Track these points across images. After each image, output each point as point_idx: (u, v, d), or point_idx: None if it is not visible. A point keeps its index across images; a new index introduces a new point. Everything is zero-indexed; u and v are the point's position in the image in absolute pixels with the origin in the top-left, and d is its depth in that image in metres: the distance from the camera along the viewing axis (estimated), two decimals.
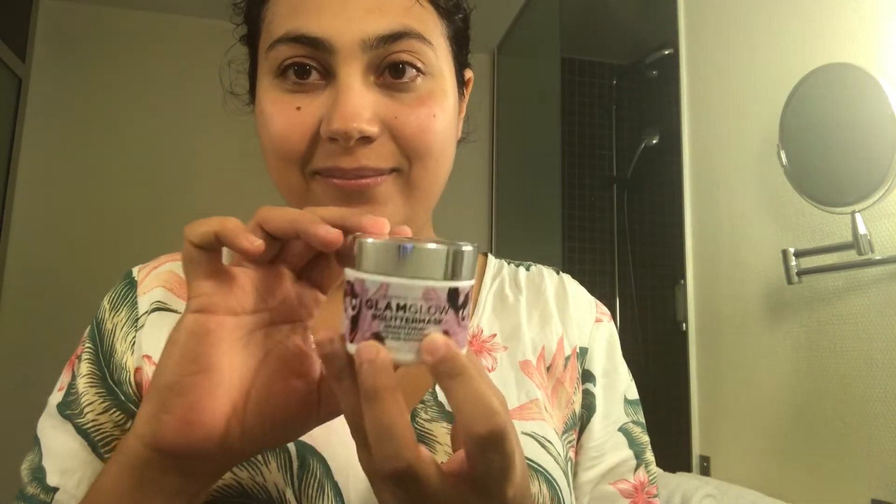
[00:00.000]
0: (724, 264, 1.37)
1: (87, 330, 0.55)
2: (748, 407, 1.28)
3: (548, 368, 0.57)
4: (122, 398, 0.51)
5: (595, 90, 2.79)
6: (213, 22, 2.73)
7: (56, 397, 0.53)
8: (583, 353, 0.59)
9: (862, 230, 0.97)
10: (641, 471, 0.57)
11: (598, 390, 0.58)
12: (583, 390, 0.57)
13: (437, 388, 0.52)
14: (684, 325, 1.49)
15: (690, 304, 1.47)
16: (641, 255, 2.66)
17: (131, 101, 2.58)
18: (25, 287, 2.39)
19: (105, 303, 0.55)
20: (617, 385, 0.59)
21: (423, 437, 0.50)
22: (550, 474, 0.50)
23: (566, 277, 0.65)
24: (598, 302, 0.63)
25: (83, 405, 0.51)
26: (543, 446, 0.51)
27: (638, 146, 2.55)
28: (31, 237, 2.44)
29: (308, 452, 0.47)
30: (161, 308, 0.53)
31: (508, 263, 0.64)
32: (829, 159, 1.05)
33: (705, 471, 1.38)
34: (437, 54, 0.49)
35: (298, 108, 0.46)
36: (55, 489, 0.49)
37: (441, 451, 0.49)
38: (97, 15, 2.59)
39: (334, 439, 0.47)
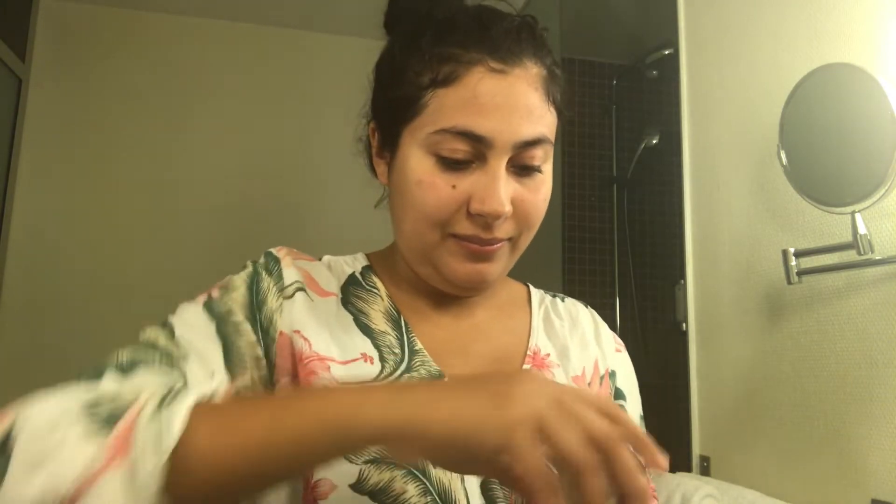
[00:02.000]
0: (724, 264, 1.37)
1: (230, 278, 0.62)
2: (748, 407, 1.28)
3: (589, 384, 0.69)
4: (263, 339, 0.59)
5: (595, 90, 2.79)
6: (214, 22, 2.73)
7: (194, 302, 0.60)
8: (612, 374, 0.72)
9: (862, 230, 0.97)
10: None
11: (626, 405, 0.71)
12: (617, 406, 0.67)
13: None
14: (684, 325, 1.49)
15: (690, 304, 1.47)
16: (641, 255, 2.65)
17: (131, 101, 2.58)
18: (25, 287, 2.39)
19: (260, 265, 0.63)
20: (636, 405, 0.73)
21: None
22: None
23: (592, 311, 0.78)
24: (615, 334, 0.77)
25: (240, 325, 0.58)
26: None
27: (638, 146, 2.55)
28: (30, 237, 2.43)
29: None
30: (303, 289, 0.63)
31: (546, 293, 0.77)
32: (829, 159, 1.05)
33: (705, 471, 1.38)
34: (551, 145, 0.61)
35: (454, 187, 0.58)
36: (176, 360, 0.54)
37: None
38: (97, 15, 2.59)
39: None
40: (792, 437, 1.16)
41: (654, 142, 2.49)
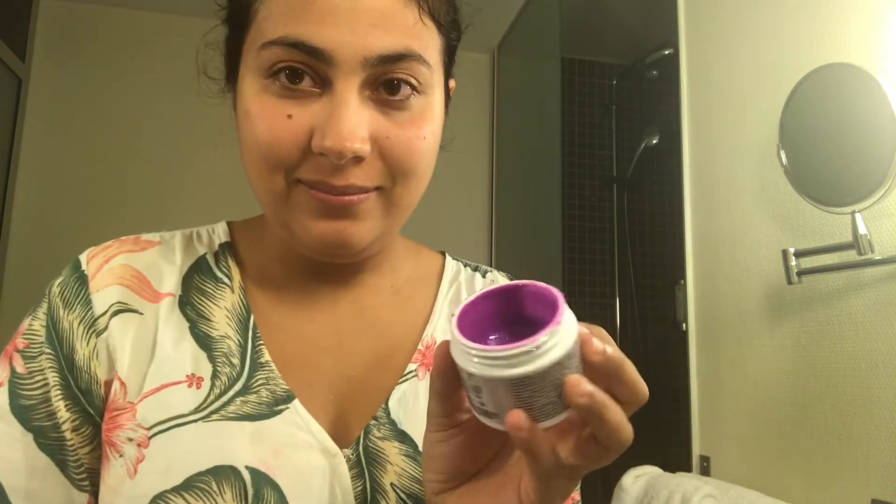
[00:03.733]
0: (724, 264, 1.37)
1: (30, 322, 0.49)
2: (748, 407, 1.28)
3: None
4: (90, 410, 0.47)
5: (595, 90, 2.79)
6: (214, 22, 2.73)
7: (1, 400, 0.47)
8: None
9: (862, 230, 0.97)
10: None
11: None
12: None
13: (390, 405, 0.51)
14: (684, 325, 1.49)
15: (690, 304, 1.47)
16: (641, 255, 2.66)
17: (131, 101, 2.58)
18: (25, 287, 2.39)
19: (56, 297, 0.49)
20: None
21: (375, 456, 0.50)
22: None
23: None
24: None
25: (60, 420, 0.46)
26: None
27: (638, 146, 2.56)
28: (30, 237, 2.44)
29: (262, 480, 0.46)
30: (123, 310, 0.49)
31: (465, 266, 0.63)
32: (829, 159, 1.05)
33: (705, 471, 1.38)
34: (432, 72, 0.48)
35: (290, 116, 0.45)
36: None
37: (392, 470, 0.49)
38: (97, 15, 2.59)
39: (288, 466, 0.47)
40: (792, 437, 1.16)
41: (654, 142, 2.50)
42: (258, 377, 0.49)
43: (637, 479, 1.30)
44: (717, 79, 1.42)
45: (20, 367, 0.47)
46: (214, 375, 0.49)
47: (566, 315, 0.34)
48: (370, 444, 0.50)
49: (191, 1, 2.59)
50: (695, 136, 1.50)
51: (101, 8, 2.59)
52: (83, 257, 0.52)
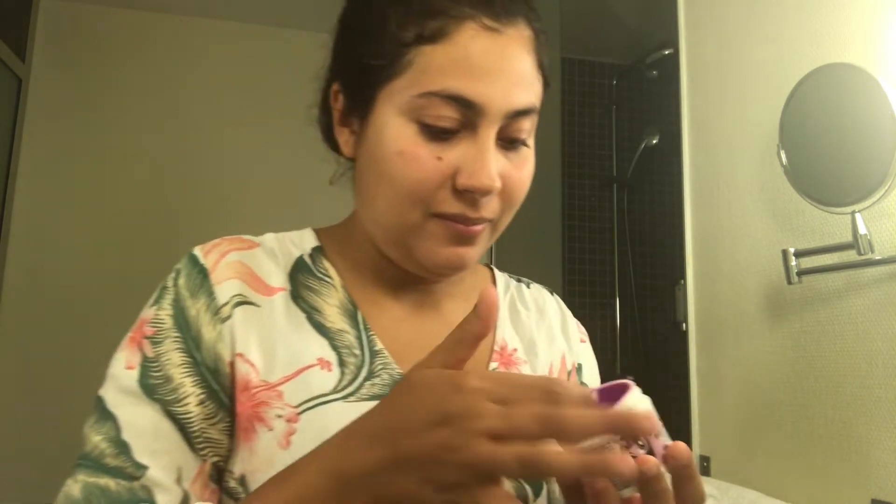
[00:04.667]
0: (724, 264, 1.37)
1: (156, 311, 0.54)
2: (748, 407, 1.28)
3: None
4: (217, 387, 0.52)
5: (595, 90, 2.79)
6: (214, 22, 2.73)
7: (129, 374, 0.52)
8: (579, 369, 0.69)
9: (862, 230, 0.97)
10: None
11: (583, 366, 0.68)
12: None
13: None
14: (684, 325, 1.49)
15: (690, 304, 1.47)
16: (641, 255, 2.66)
17: (131, 101, 2.58)
18: (25, 287, 2.39)
19: (182, 288, 0.54)
20: None
21: None
22: None
23: (557, 298, 0.73)
24: (579, 323, 0.72)
25: (183, 395, 0.51)
26: None
27: (638, 146, 2.56)
28: (31, 237, 2.44)
29: None
30: (244, 302, 0.55)
31: (510, 277, 0.71)
32: (829, 159, 1.05)
33: (705, 471, 1.38)
34: (536, 120, 0.56)
35: (439, 159, 0.51)
36: (145, 467, 0.49)
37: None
38: (97, 15, 2.59)
39: None
40: (792, 437, 1.16)
41: (654, 142, 2.50)
42: (377, 363, 0.56)
43: None
44: (717, 79, 1.43)
45: (150, 352, 0.52)
46: (341, 363, 0.55)
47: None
48: None
49: (191, 1, 2.59)
50: (695, 136, 1.50)
51: (101, 8, 2.59)
52: (198, 253, 0.57)
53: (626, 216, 2.65)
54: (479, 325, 0.41)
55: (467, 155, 0.51)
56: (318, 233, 0.64)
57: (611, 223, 2.67)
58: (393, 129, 0.52)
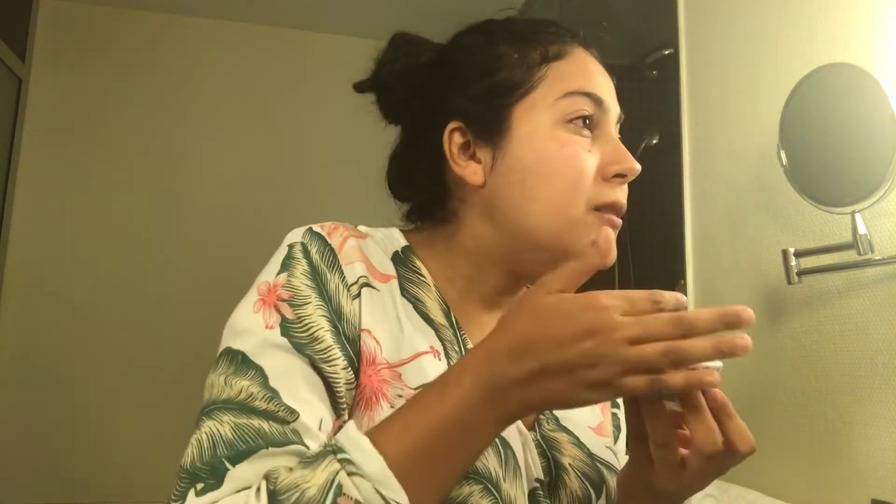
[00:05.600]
0: (724, 264, 1.37)
1: (287, 278, 0.55)
2: (748, 407, 1.28)
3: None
4: (352, 355, 0.55)
5: None
6: (214, 22, 2.72)
7: (270, 331, 0.53)
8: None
9: (862, 230, 0.97)
10: None
11: (619, 413, 0.74)
12: (611, 413, 0.73)
13: None
14: None
15: (690, 304, 1.47)
16: (641, 255, 2.65)
17: (131, 101, 2.58)
18: (25, 287, 2.39)
19: (318, 262, 0.57)
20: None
21: (551, 442, 0.62)
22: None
23: None
24: None
25: (332, 357, 0.53)
26: (617, 457, 0.68)
27: (638, 146, 2.55)
28: (30, 237, 2.44)
29: (507, 448, 0.58)
30: (367, 284, 0.58)
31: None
32: (829, 159, 1.05)
33: None
34: None
35: (590, 152, 0.59)
36: (297, 412, 0.50)
37: (567, 453, 0.62)
38: (97, 15, 2.59)
39: (504, 433, 0.57)
40: (792, 438, 1.16)
41: (654, 142, 2.49)
42: None
43: None
44: (717, 79, 1.42)
45: (289, 314, 0.54)
46: (447, 355, 0.59)
47: None
48: (545, 433, 0.62)
49: (192, 1, 2.59)
50: (695, 136, 1.50)
51: (101, 8, 2.59)
52: (322, 232, 0.59)
53: (626, 216, 2.65)
54: (599, 258, 0.47)
55: (606, 147, 0.60)
56: (404, 233, 0.67)
57: None
58: (545, 130, 0.59)
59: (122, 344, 2.36)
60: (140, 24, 2.63)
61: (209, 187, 2.59)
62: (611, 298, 0.44)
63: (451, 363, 0.57)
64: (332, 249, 0.58)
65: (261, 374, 0.51)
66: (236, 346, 0.52)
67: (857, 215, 0.98)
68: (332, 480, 0.44)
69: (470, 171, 0.62)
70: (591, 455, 0.64)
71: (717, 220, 1.40)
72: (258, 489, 0.45)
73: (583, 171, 0.58)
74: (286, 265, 0.56)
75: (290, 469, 0.46)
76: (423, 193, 0.67)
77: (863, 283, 1.04)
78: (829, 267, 1.07)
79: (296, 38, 2.77)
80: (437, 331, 0.60)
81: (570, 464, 0.62)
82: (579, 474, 0.61)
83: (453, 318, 0.62)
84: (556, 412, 0.64)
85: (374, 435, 0.47)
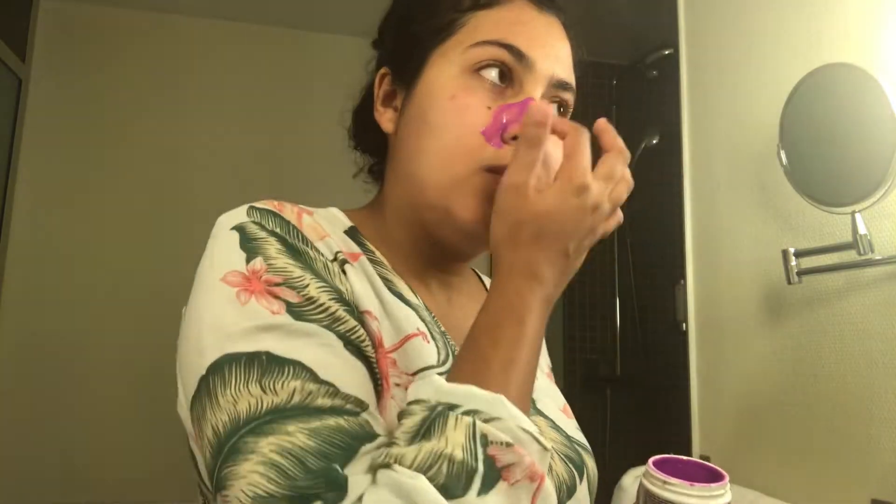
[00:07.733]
0: (724, 264, 1.37)
1: (263, 261, 0.47)
2: (748, 407, 1.28)
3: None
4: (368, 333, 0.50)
5: (595, 90, 2.79)
6: (214, 22, 2.73)
7: (284, 319, 0.45)
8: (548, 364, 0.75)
9: (862, 230, 0.97)
10: None
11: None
12: None
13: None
14: (684, 325, 1.49)
15: (690, 304, 1.47)
16: (641, 255, 2.66)
17: (131, 101, 2.58)
18: (25, 287, 2.39)
19: (294, 240, 0.49)
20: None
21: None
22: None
23: None
24: None
25: (362, 336, 0.48)
26: (584, 436, 0.66)
27: (638, 146, 2.56)
28: (31, 237, 2.43)
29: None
30: (346, 262, 0.53)
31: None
32: (829, 159, 1.05)
33: None
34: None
35: (489, 108, 0.53)
36: (361, 401, 0.44)
37: (548, 436, 0.59)
38: (97, 15, 2.59)
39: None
40: (792, 437, 1.16)
41: (654, 142, 2.50)
42: (448, 341, 0.56)
43: (637, 479, 1.30)
44: (717, 79, 1.42)
45: (293, 297, 0.46)
46: (433, 337, 0.54)
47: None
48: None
49: (191, 1, 2.59)
50: (695, 136, 1.50)
51: (101, 8, 2.59)
52: (271, 207, 0.51)
53: (626, 216, 2.65)
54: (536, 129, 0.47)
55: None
56: (346, 213, 0.61)
57: None
58: (444, 78, 0.54)
59: (122, 344, 2.36)
60: (140, 24, 2.63)
61: (209, 187, 2.59)
62: (587, 176, 0.48)
63: (438, 344, 0.53)
64: (293, 225, 0.51)
65: (303, 369, 0.43)
66: (243, 348, 0.43)
67: (857, 215, 0.98)
68: (473, 435, 0.39)
69: (386, 118, 0.59)
70: (569, 437, 0.62)
71: (717, 220, 1.40)
72: (382, 484, 0.39)
73: (471, 124, 0.52)
74: (251, 248, 0.47)
75: (399, 451, 0.39)
76: (367, 146, 0.64)
77: (863, 283, 1.04)
78: (829, 267, 1.07)
79: (296, 38, 2.77)
80: (415, 310, 0.55)
81: (552, 447, 0.56)
82: (562, 457, 0.59)
83: (417, 296, 0.57)
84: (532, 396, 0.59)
85: (473, 381, 0.42)
